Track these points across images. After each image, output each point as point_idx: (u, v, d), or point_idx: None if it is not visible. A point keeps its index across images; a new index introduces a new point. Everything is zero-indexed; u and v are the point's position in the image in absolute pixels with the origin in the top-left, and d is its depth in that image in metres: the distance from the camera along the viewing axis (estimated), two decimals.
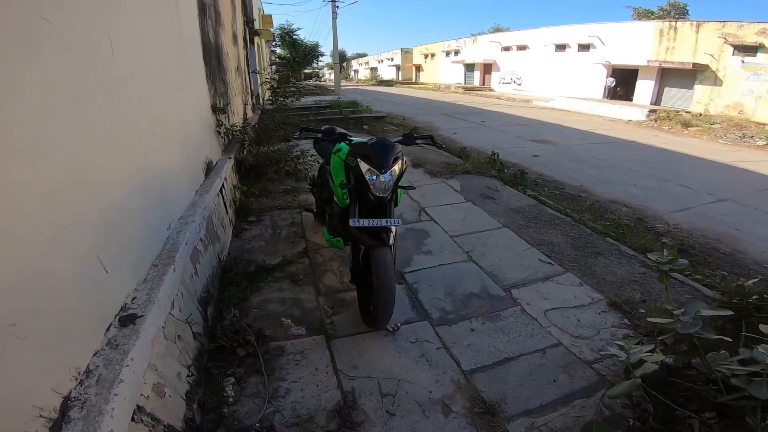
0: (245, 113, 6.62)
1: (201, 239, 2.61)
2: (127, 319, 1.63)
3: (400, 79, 45.72)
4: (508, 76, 28.26)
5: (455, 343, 2.31)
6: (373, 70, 57.74)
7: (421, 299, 2.70)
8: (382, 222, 2.20)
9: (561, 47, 23.37)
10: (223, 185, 3.57)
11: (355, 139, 2.55)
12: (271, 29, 16.82)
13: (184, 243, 2.24)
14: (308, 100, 12.53)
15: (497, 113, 15.42)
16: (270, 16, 16.00)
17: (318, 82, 31.66)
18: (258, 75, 9.18)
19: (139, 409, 1.43)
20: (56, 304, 1.26)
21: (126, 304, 1.70)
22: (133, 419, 1.37)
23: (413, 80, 43.33)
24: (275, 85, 6.02)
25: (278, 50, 28.70)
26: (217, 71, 4.29)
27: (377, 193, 2.18)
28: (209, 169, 3.45)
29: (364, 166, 2.19)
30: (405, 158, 2.38)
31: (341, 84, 25.33)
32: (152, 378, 1.58)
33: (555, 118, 14.45)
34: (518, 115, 15.16)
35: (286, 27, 28.88)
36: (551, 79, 23.77)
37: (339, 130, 2.60)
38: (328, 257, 3.22)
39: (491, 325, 2.47)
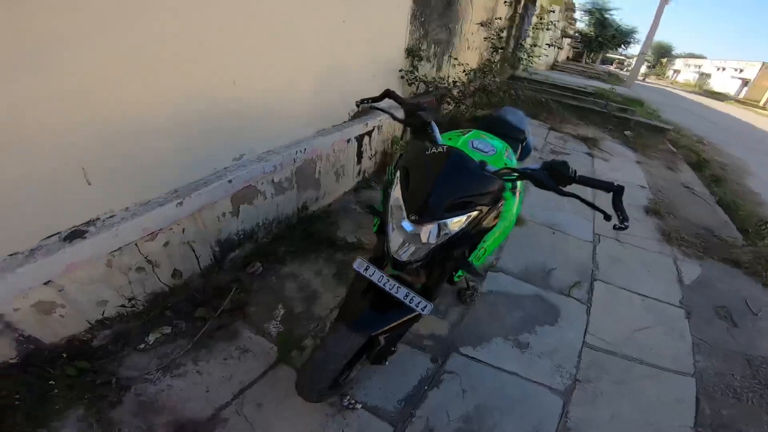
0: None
1: (273, 180, 2.21)
2: (73, 235, 1.40)
3: (741, 96, 33.15)
4: None
5: None
6: (704, 75, 43.53)
7: None
8: (392, 289, 1.22)
9: None
10: (369, 132, 3.05)
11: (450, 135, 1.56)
12: None
13: (227, 180, 1.89)
14: (577, 80, 10.11)
15: None
16: None
17: (615, 69, 25.73)
18: (528, 40, 7.70)
19: None
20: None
21: (96, 219, 1.47)
22: None
23: (761, 103, 30.44)
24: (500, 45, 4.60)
25: (580, 24, 24.13)
26: (434, 14, 3.53)
27: (393, 251, 1.17)
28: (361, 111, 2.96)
29: (395, 193, 1.19)
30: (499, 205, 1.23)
31: (638, 78, 19.43)
32: (41, 296, 1.34)
33: None
34: None
35: (599, 3, 23.55)
36: None
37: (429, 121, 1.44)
38: None
39: None
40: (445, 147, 1.18)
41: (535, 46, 7.28)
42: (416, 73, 3.43)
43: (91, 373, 1.48)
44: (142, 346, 1.63)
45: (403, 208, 1.13)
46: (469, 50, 4.79)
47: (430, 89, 3.83)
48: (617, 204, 1.07)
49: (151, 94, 1.52)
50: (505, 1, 5.17)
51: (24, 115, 1.20)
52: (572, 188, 1.09)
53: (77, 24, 1.24)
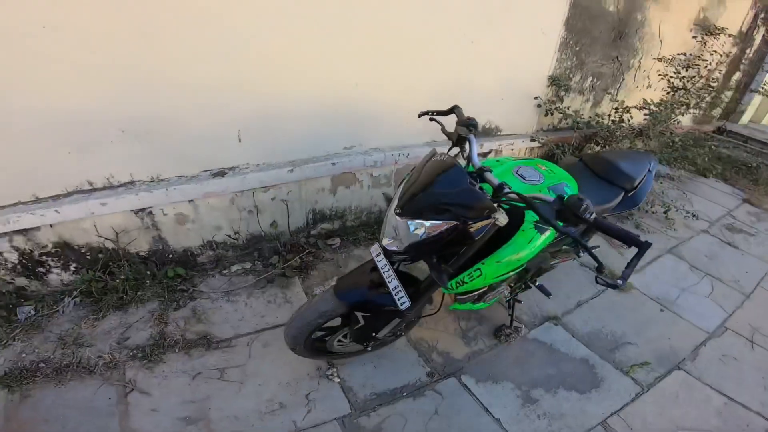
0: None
1: (372, 174, 2.56)
2: (219, 174, 2.03)
3: None
4: None
5: None
6: None
7: None
8: (387, 278, 1.35)
9: None
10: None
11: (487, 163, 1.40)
12: None
13: (331, 162, 2.32)
14: None
15: None
16: None
17: None
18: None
19: (147, 211, 1.96)
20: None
21: (235, 166, 2.10)
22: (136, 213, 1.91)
23: None
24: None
25: None
26: (597, 44, 3.20)
27: (381, 238, 1.31)
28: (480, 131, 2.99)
29: (399, 188, 1.31)
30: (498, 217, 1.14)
31: None
32: (183, 209, 2.01)
33: None
34: None
35: None
36: None
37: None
38: None
39: None
40: (446, 156, 1.25)
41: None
42: (558, 104, 3.19)
43: (181, 280, 2.11)
44: (225, 272, 2.23)
45: (395, 200, 1.24)
46: (650, 89, 4.07)
47: (579, 125, 3.43)
48: (633, 261, 0.95)
49: (296, 86, 2.04)
50: (730, 35, 4.13)
51: (212, 91, 1.85)
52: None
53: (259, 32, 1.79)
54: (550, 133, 3.45)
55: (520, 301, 2.08)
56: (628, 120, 3.38)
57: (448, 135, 1.52)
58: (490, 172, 1.24)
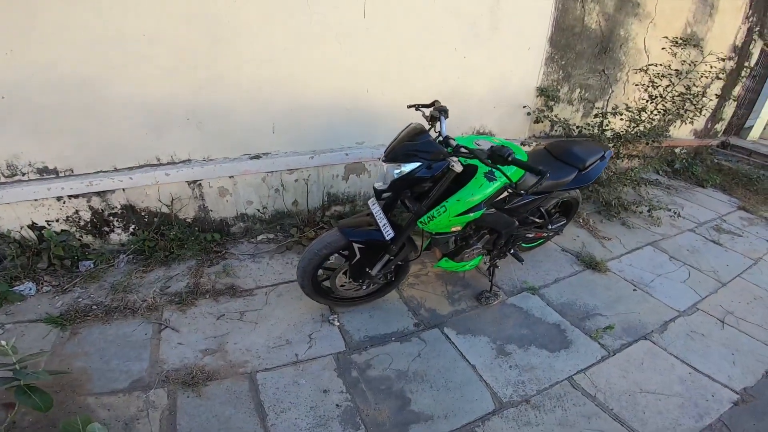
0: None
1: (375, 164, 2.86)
2: (255, 157, 2.42)
3: None
4: None
5: None
6: None
7: None
8: (377, 214, 1.76)
9: None
10: None
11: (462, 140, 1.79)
12: None
13: (344, 153, 2.68)
14: None
15: None
16: None
17: None
18: None
19: (198, 183, 2.37)
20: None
21: (268, 152, 2.49)
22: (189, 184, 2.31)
23: None
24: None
25: None
26: (582, 59, 3.44)
27: (375, 183, 1.80)
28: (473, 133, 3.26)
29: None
30: (455, 165, 1.59)
31: None
32: (225, 184, 2.40)
33: None
34: None
35: None
36: None
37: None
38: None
39: None
40: (417, 124, 1.70)
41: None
42: (547, 113, 3.42)
43: (216, 244, 2.47)
44: (253, 240, 2.57)
45: (384, 154, 1.71)
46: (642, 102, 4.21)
47: (572, 132, 3.65)
48: (535, 183, 1.65)
49: (321, 86, 2.43)
50: (695, 45, 3.84)
51: (256, 90, 2.27)
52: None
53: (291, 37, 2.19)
54: (542, 139, 3.66)
55: (497, 266, 2.31)
56: (607, 125, 3.55)
57: (427, 119, 1.91)
58: (452, 138, 1.66)
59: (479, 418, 1.67)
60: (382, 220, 1.74)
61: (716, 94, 4.10)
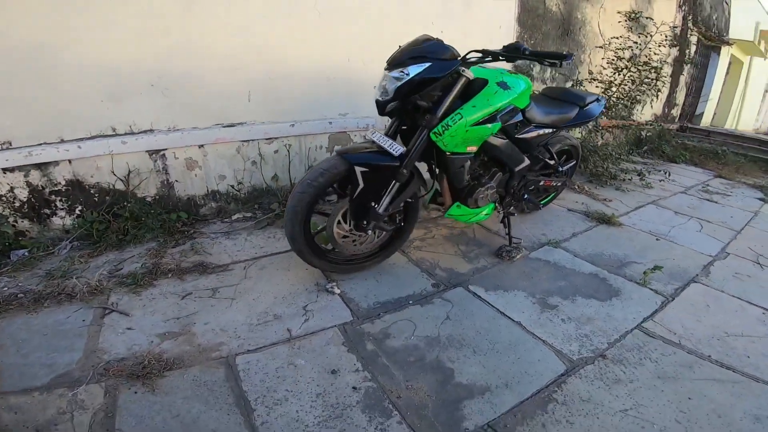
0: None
1: (365, 137, 2.47)
2: (230, 125, 2.09)
3: None
4: None
5: None
6: None
7: None
8: (380, 140, 1.49)
9: None
10: None
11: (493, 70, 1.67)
12: None
13: (327, 121, 2.38)
14: None
15: None
16: None
17: None
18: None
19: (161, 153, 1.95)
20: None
21: (244, 122, 2.13)
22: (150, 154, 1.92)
23: None
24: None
25: None
26: (548, 40, 3.44)
27: (376, 96, 1.49)
28: None
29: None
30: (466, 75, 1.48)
31: None
32: (193, 154, 2.01)
33: None
34: None
35: None
36: None
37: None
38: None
39: None
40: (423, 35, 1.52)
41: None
42: None
43: (182, 224, 2.00)
44: (226, 220, 2.11)
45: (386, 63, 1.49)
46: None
47: None
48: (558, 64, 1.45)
49: (300, 55, 2.16)
50: (648, 17, 3.97)
51: (231, 57, 1.98)
52: None
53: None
54: None
55: (513, 214, 2.02)
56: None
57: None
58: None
59: (552, 382, 1.24)
60: (387, 141, 1.47)
61: (669, 75, 4.25)
